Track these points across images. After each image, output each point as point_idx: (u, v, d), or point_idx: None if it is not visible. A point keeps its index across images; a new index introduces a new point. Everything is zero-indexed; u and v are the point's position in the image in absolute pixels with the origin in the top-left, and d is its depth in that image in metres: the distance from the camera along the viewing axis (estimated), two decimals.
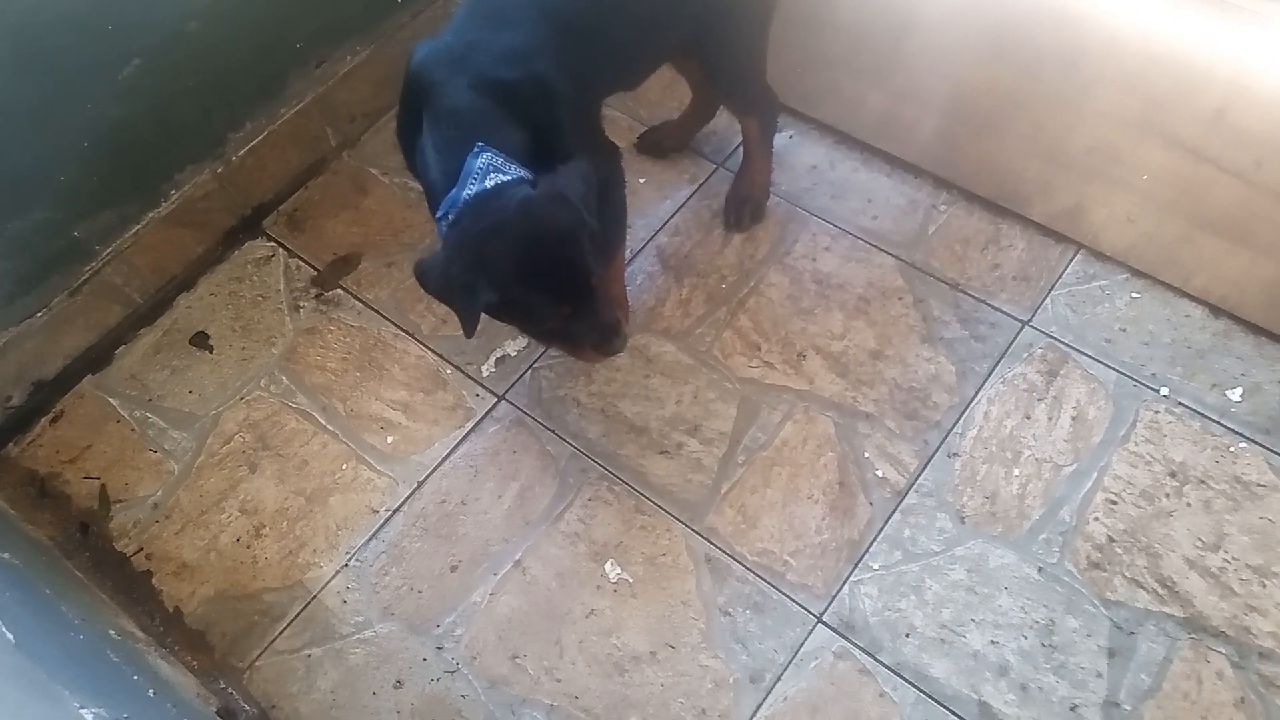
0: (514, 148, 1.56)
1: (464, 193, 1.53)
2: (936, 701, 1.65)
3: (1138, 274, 2.05)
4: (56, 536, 1.90)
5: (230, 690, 1.72)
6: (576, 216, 1.50)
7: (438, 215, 1.58)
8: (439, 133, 1.58)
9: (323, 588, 1.82)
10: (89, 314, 2.08)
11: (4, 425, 2.03)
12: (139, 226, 2.09)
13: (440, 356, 2.08)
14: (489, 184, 1.52)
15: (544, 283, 1.53)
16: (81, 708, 1.23)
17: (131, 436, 2.03)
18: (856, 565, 1.78)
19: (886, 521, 1.82)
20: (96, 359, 2.12)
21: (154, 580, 1.86)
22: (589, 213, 1.52)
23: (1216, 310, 1.99)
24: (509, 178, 1.53)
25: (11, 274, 1.93)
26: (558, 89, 1.60)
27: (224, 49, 2.04)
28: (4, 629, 1.27)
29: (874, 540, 1.80)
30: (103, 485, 1.97)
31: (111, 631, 1.65)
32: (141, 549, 1.89)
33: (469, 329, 1.56)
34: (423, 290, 1.60)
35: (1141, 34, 1.87)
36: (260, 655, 1.77)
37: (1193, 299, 2.01)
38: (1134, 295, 2.03)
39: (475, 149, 1.53)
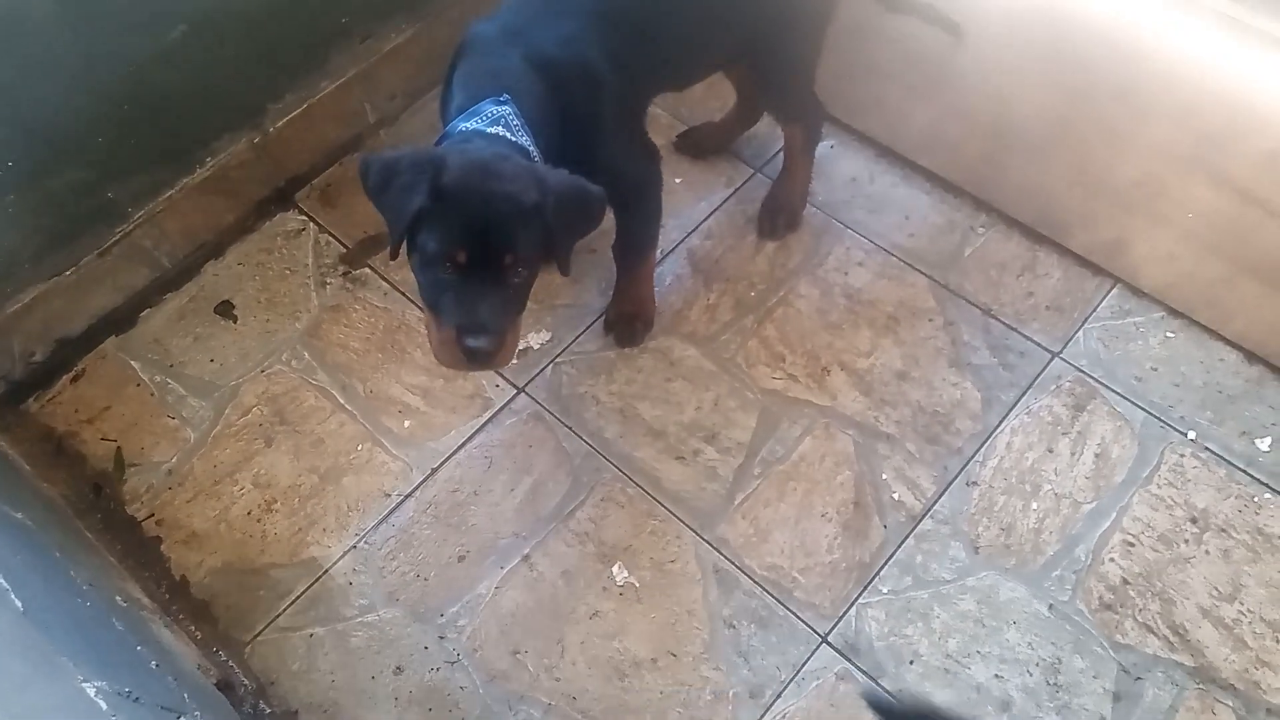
0: (538, 123, 1.53)
1: (463, 124, 1.49)
2: None
3: (1174, 313, 2.01)
4: (69, 495, 1.91)
5: (230, 663, 1.73)
6: (539, 202, 1.41)
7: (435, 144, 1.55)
8: (473, 80, 1.56)
9: (330, 567, 1.83)
10: (117, 275, 2.08)
11: (26, 380, 2.04)
12: (172, 191, 2.08)
13: None
14: (491, 131, 1.48)
15: (463, 213, 1.40)
16: (84, 681, 1.23)
17: (150, 401, 2.03)
18: (865, 588, 1.76)
19: (899, 546, 1.80)
20: (121, 320, 2.12)
21: (163, 547, 1.87)
22: (556, 216, 1.43)
23: (1252, 356, 1.95)
24: (514, 141, 1.49)
25: (43, 231, 1.93)
26: (604, 78, 1.59)
27: (270, 19, 2.03)
28: (13, 596, 1.28)
29: (885, 564, 1.79)
30: (119, 447, 1.97)
31: (118, 597, 1.66)
32: (153, 514, 1.90)
33: (394, 243, 1.44)
34: (361, 185, 1.47)
35: (1199, 70, 1.84)
36: (263, 630, 1.78)
37: (1228, 343, 1.97)
38: (1169, 334, 1.99)
39: (501, 98, 1.50)
